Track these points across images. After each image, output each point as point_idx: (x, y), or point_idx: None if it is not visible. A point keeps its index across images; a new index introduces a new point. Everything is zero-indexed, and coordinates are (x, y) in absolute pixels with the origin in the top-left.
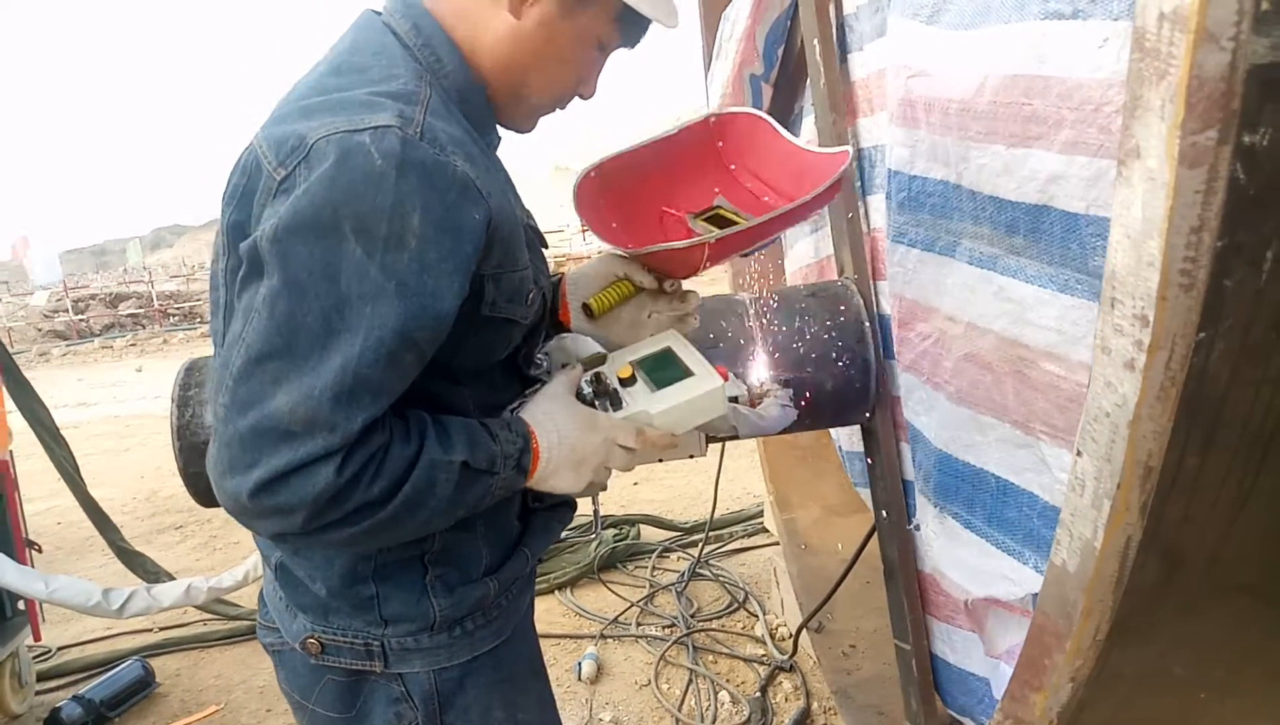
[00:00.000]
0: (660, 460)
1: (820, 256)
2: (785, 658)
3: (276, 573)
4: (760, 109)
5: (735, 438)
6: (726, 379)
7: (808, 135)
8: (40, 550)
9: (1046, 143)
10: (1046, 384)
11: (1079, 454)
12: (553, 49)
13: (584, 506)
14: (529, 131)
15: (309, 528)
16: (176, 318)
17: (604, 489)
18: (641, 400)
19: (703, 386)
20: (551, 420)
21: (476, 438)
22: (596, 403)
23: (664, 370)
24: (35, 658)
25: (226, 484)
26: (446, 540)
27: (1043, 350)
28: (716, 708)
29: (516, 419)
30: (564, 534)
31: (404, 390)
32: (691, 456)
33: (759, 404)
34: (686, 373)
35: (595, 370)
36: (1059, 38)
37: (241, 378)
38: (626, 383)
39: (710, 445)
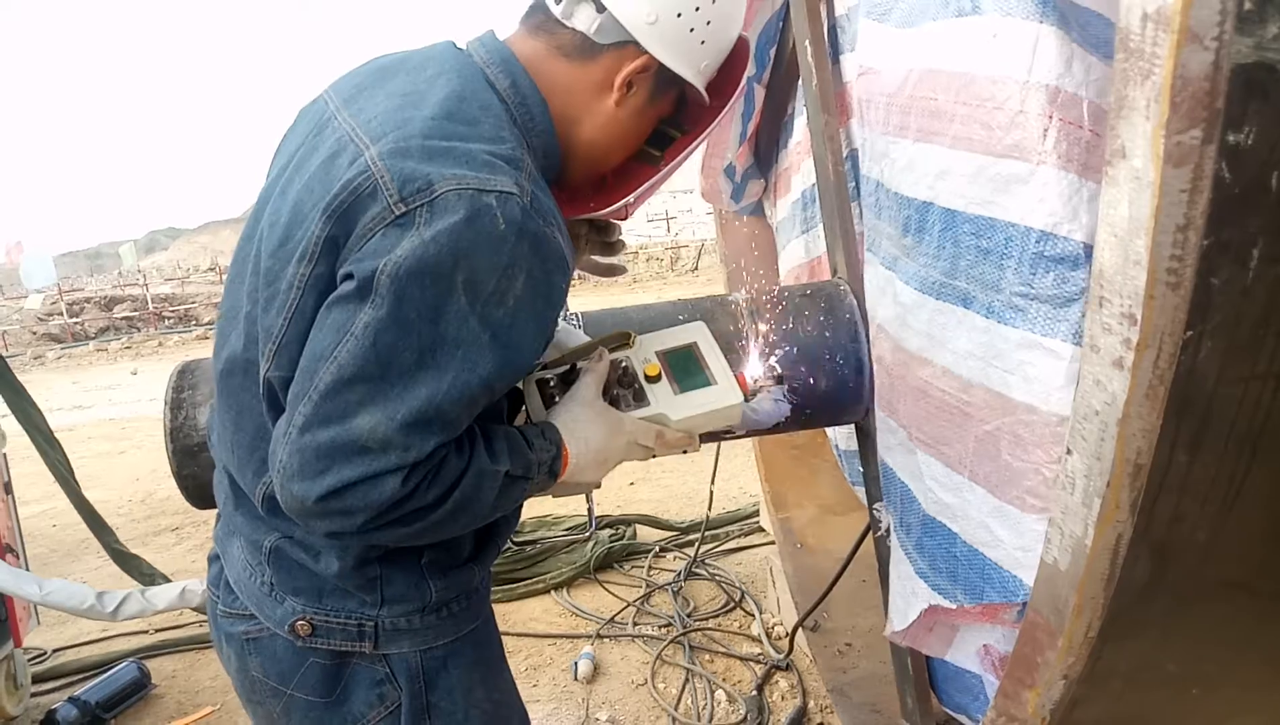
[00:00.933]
0: (654, 456)
1: (811, 257)
2: (781, 656)
3: (269, 557)
4: (753, 110)
5: (730, 433)
6: (746, 388)
7: (801, 135)
8: (18, 556)
9: (942, 138)
10: (918, 390)
11: (1069, 452)
12: (636, 129)
13: (579, 506)
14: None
15: (366, 528)
16: (171, 320)
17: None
18: (664, 401)
19: (724, 399)
20: (581, 427)
21: (516, 447)
22: (620, 393)
23: (688, 371)
24: (31, 660)
25: (294, 486)
26: None
27: (914, 354)
28: (713, 707)
29: (550, 427)
30: (560, 534)
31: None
32: (685, 451)
33: (753, 399)
34: (710, 380)
35: (622, 358)
36: (962, 32)
37: (328, 394)
38: (652, 380)
39: (705, 444)
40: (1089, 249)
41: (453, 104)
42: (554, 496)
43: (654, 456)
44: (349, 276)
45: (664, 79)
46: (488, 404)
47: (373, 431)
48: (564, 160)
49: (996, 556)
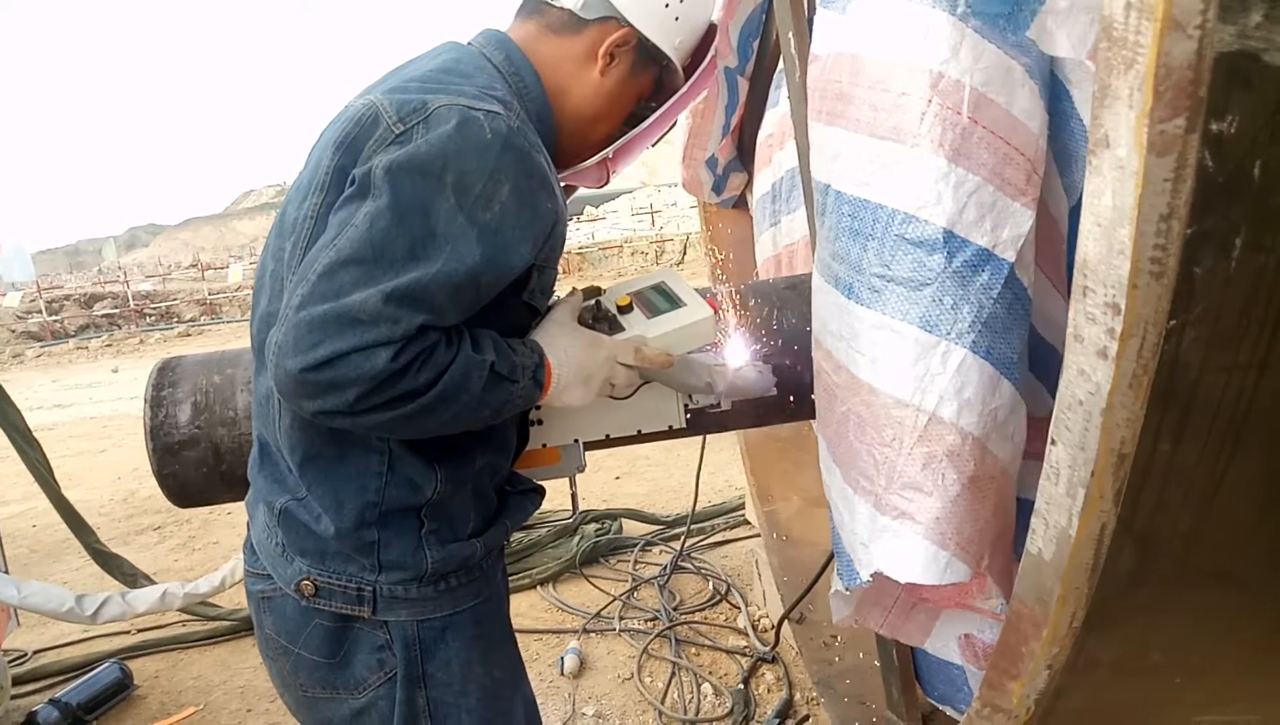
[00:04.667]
0: (639, 433)
1: (779, 249)
2: (767, 649)
3: (280, 518)
4: (737, 103)
5: (715, 404)
6: (716, 310)
7: (770, 129)
8: None
9: (842, 120)
10: (816, 372)
11: (1053, 443)
12: (619, 101)
13: (564, 500)
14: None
15: (357, 407)
16: (153, 317)
17: (625, 397)
18: (638, 326)
19: (694, 315)
20: (558, 341)
21: (501, 347)
22: (596, 327)
23: (658, 300)
24: (11, 661)
25: (288, 362)
26: (442, 494)
27: (815, 337)
28: (699, 700)
29: (530, 340)
30: (544, 530)
31: (456, 321)
32: (670, 427)
33: (737, 370)
34: (679, 303)
35: (594, 299)
36: (867, 15)
37: (325, 274)
38: (624, 310)
39: (691, 437)
40: (949, 235)
41: (449, 64)
42: (542, 476)
43: (636, 386)
44: (352, 181)
45: (643, 54)
46: (472, 305)
47: (363, 304)
48: (556, 131)
49: (844, 538)
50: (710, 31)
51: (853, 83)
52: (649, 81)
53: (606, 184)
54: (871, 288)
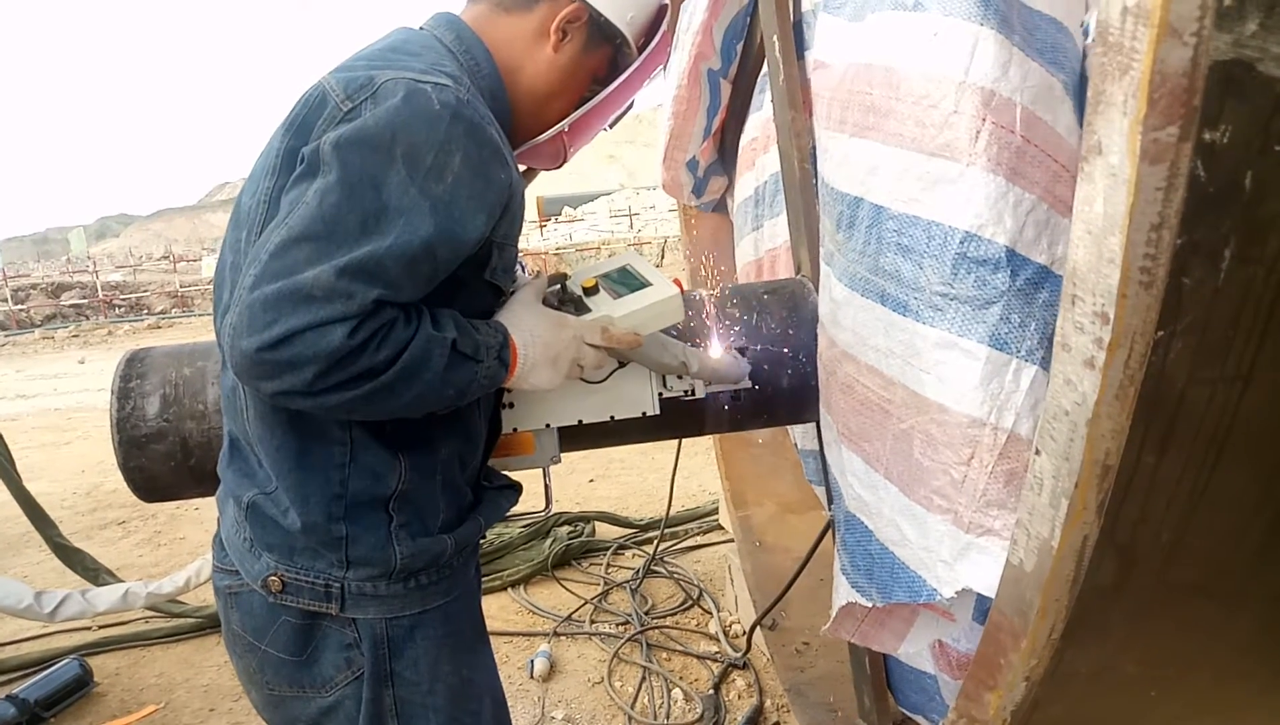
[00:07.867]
0: (612, 419)
1: (759, 254)
2: (739, 655)
3: (246, 512)
4: (719, 105)
5: (689, 392)
6: (681, 289)
7: (754, 132)
8: None
9: (876, 133)
10: (845, 386)
11: (1037, 453)
12: (573, 79)
13: (537, 501)
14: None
15: (315, 387)
16: (122, 309)
17: (597, 381)
18: (605, 306)
19: (660, 293)
20: (523, 321)
21: (463, 326)
22: (563, 309)
23: (624, 281)
24: None
25: (242, 342)
26: (410, 484)
27: (843, 351)
28: (670, 705)
29: (494, 321)
30: (516, 531)
31: (413, 297)
32: (644, 414)
33: (713, 357)
34: (645, 283)
35: (560, 283)
36: (902, 28)
37: (277, 252)
38: (590, 292)
39: (666, 440)
40: (1011, 253)
41: (396, 44)
42: (516, 466)
43: (605, 369)
44: (301, 160)
45: (596, 30)
46: (427, 281)
47: (316, 280)
48: (514, 112)
49: (904, 555)
50: (662, 10)
51: (889, 96)
52: (604, 59)
53: (563, 164)
54: (933, 306)
